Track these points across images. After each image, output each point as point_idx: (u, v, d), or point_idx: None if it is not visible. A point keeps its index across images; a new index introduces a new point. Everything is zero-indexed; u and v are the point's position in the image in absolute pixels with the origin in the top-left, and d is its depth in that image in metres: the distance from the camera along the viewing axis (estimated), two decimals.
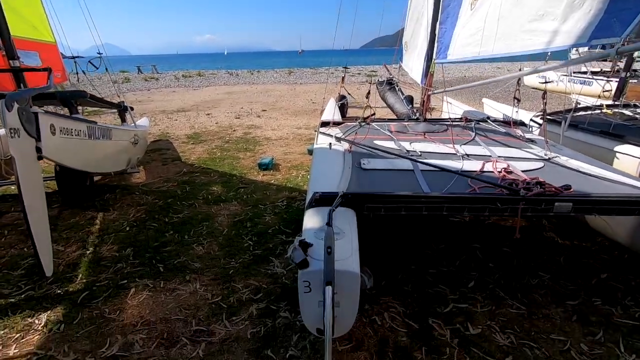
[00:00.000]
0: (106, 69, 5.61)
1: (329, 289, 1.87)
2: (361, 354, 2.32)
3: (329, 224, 2.30)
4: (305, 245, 2.10)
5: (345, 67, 5.05)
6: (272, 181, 5.64)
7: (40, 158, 2.66)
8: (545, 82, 4.87)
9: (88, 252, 3.65)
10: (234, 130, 9.32)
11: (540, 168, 3.56)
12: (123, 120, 6.16)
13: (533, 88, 15.13)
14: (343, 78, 5.12)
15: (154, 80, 23.68)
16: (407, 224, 4.11)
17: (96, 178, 5.66)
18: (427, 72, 5.28)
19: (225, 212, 4.53)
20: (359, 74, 24.22)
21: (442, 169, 3.38)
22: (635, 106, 6.56)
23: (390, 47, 7.16)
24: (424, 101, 5.46)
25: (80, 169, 3.70)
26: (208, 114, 11.72)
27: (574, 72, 13.72)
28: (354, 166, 3.54)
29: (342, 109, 8.55)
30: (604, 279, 3.06)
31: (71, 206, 4.70)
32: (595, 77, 11.59)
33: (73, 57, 5.12)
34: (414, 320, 2.59)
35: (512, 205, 2.72)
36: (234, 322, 2.62)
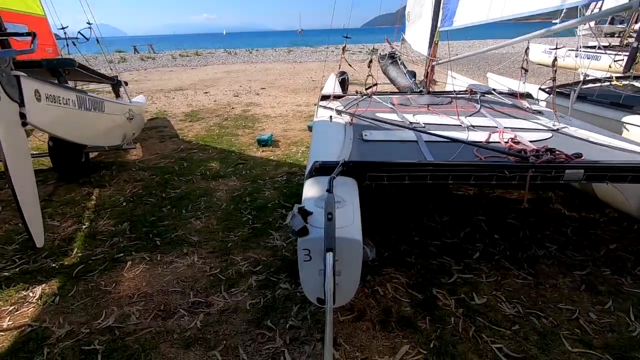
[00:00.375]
0: (97, 40, 5.39)
1: (329, 255, 1.78)
2: (363, 324, 2.25)
3: (329, 190, 2.19)
4: (304, 213, 2.00)
5: (346, 37, 4.82)
6: (272, 157, 5.52)
7: (25, 124, 2.54)
8: (556, 48, 4.64)
9: (84, 226, 3.57)
10: (233, 108, 9.12)
11: (548, 138, 3.42)
12: (117, 95, 5.98)
13: (539, 64, 14.74)
14: (344, 48, 4.92)
15: (150, 60, 23.20)
16: (409, 196, 4.01)
17: (92, 155, 5.55)
18: (432, 43, 5.06)
19: (223, 187, 4.43)
20: (360, 51, 23.65)
21: (447, 140, 3.25)
22: None
23: (391, 25, 6.86)
24: (427, 72, 5.27)
25: (71, 140, 3.57)
26: (206, 93, 11.48)
27: (582, 47, 13.33)
28: (355, 138, 3.41)
29: (343, 84, 8.31)
30: (613, 250, 2.98)
31: (67, 182, 4.60)
32: (604, 51, 11.26)
33: (62, 27, 4.90)
34: (418, 291, 2.53)
35: (520, 173, 2.61)
36: (233, 294, 2.56)
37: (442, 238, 3.17)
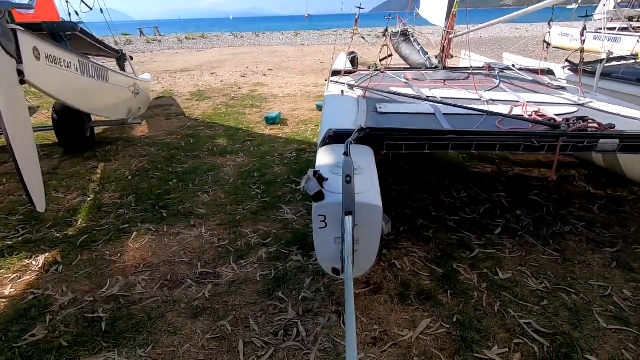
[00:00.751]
0: (107, 24, 5.20)
1: (349, 219, 1.63)
2: (381, 297, 2.13)
3: (346, 154, 2.04)
4: (320, 178, 1.85)
5: (360, 7, 4.57)
6: (280, 135, 5.36)
7: (22, 82, 2.40)
8: (586, 16, 4.33)
9: (88, 199, 3.47)
10: (240, 88, 8.93)
11: (575, 112, 3.21)
12: (122, 69, 5.82)
13: (556, 47, 14.24)
14: (357, 19, 4.67)
15: (156, 43, 22.94)
16: (425, 173, 3.84)
17: (97, 131, 5.44)
18: (449, 14, 4.80)
19: (231, 163, 4.30)
20: (369, 35, 23.12)
21: (467, 111, 3.06)
22: None
23: (401, 10, 6.59)
24: (444, 47, 5.02)
25: (72, 105, 3.43)
26: (212, 73, 11.28)
27: (600, 29, 12.81)
28: (369, 111, 3.23)
29: (352, 64, 8.07)
30: None
31: (72, 155, 4.51)
32: (627, 32, 10.82)
33: None
34: (437, 265, 2.39)
35: (550, 142, 2.42)
36: (242, 265, 2.44)
37: (461, 214, 3.01)
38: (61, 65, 2.91)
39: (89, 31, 4.28)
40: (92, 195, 3.54)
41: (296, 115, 6.44)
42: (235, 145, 4.89)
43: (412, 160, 4.20)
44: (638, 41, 7.21)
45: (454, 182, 3.58)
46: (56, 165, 4.29)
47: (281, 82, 9.58)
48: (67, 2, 4.65)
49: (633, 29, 11.62)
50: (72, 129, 4.23)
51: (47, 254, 2.59)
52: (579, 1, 5.30)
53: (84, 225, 3.00)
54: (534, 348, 1.77)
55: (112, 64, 5.80)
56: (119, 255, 2.58)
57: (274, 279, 2.29)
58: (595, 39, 11.99)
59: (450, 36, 4.74)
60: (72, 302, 2.12)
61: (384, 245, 2.59)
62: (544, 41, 4.73)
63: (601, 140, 2.40)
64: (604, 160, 3.71)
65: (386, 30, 4.05)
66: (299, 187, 3.15)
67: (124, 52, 5.58)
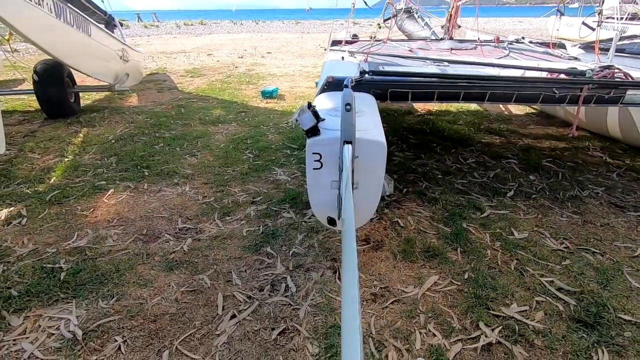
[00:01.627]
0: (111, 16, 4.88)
1: (347, 148, 1.38)
2: (382, 253, 1.88)
3: (346, 86, 1.79)
4: (315, 114, 1.60)
5: None
6: (277, 108, 5.09)
7: None
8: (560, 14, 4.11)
9: (66, 159, 3.20)
10: (236, 67, 8.63)
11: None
12: None
13: (562, 39, 13.97)
14: None
15: (154, 28, 22.51)
16: (428, 140, 3.59)
17: (85, 102, 5.16)
18: None
19: (223, 131, 4.03)
20: (371, 25, 22.77)
21: (477, 70, 2.80)
22: None
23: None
24: (451, 15, 4.75)
25: (45, 50, 3.13)
26: (209, 54, 10.95)
27: (608, 18, 12.56)
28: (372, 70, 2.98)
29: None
30: None
31: (54, 120, 4.22)
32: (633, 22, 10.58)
33: None
34: (445, 224, 2.14)
35: (573, 92, 2.18)
36: (227, 222, 2.19)
37: (469, 177, 2.77)
38: (30, 0, 2.63)
39: None
40: (70, 157, 3.27)
41: (294, 92, 6.16)
42: (229, 116, 4.62)
43: (415, 130, 3.95)
44: None
45: (460, 150, 3.34)
46: (35, 129, 4.02)
47: (279, 63, 9.29)
48: None
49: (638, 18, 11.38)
50: (54, 91, 3.93)
51: (11, 208, 2.34)
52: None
53: (57, 182, 2.73)
54: (558, 306, 1.53)
55: None
56: (91, 210, 2.32)
57: (262, 235, 2.04)
58: (603, 28, 11.69)
59: (458, 2, 4.46)
60: (31, 254, 1.87)
61: (385, 205, 2.35)
62: (557, 10, 4.48)
63: (629, 91, 2.16)
64: (621, 131, 3.46)
65: None
66: (291, 119, 2.90)
67: (113, 16, 5.28)
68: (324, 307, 1.54)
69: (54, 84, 3.89)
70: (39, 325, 1.44)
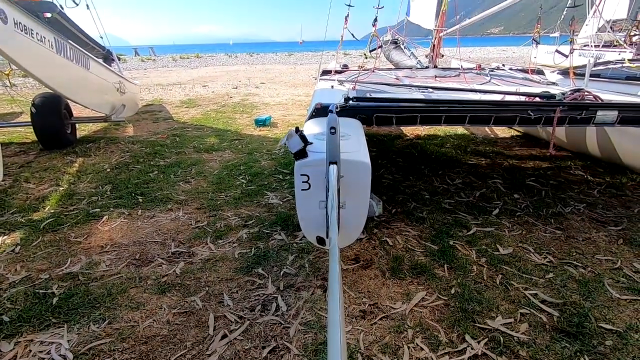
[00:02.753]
0: (87, 5, 5.14)
1: (333, 168, 1.47)
2: (371, 271, 1.92)
3: (331, 111, 1.90)
4: (303, 137, 1.70)
5: (349, 5, 4.56)
6: (270, 135, 5.22)
7: None
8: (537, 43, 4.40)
9: (61, 188, 3.25)
10: (231, 97, 8.87)
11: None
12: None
13: (542, 65, 14.60)
14: (346, 17, 4.66)
15: (150, 62, 23.13)
16: (416, 163, 3.71)
17: (81, 132, 5.26)
18: (439, 13, 4.83)
19: (217, 158, 4.12)
20: (361, 56, 23.65)
21: (460, 95, 2.97)
22: None
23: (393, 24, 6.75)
24: (434, 45, 5.02)
25: (45, 83, 3.25)
26: (204, 86, 11.26)
27: (584, 46, 13.22)
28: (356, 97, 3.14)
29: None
30: None
31: (50, 151, 4.30)
32: (608, 49, 11.14)
33: None
34: (432, 242, 2.20)
35: (547, 114, 2.31)
36: (220, 245, 2.23)
37: (456, 197, 2.85)
38: (33, 37, 2.78)
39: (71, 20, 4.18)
40: (65, 186, 3.32)
41: (287, 120, 6.34)
42: (223, 143, 4.74)
43: (404, 154, 4.07)
44: (619, 53, 7.44)
45: (447, 172, 3.45)
46: (31, 159, 4.08)
47: (273, 93, 9.57)
48: None
49: (614, 46, 12.03)
50: (51, 123, 4.03)
51: (4, 237, 2.36)
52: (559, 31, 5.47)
53: (52, 210, 2.77)
54: (542, 318, 1.57)
55: None
56: (85, 237, 2.35)
57: (253, 257, 2.08)
58: (580, 55, 12.31)
59: (441, 34, 4.74)
60: (23, 280, 1.89)
61: (374, 225, 2.41)
62: (533, 39, 4.76)
63: (599, 112, 2.30)
64: (600, 150, 3.61)
65: (375, 20, 4.01)
66: (279, 144, 2.99)
67: (111, 50, 5.49)
68: (314, 325, 1.56)
69: (51, 115, 4.00)
70: (30, 350, 1.45)
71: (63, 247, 2.22)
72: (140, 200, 2.90)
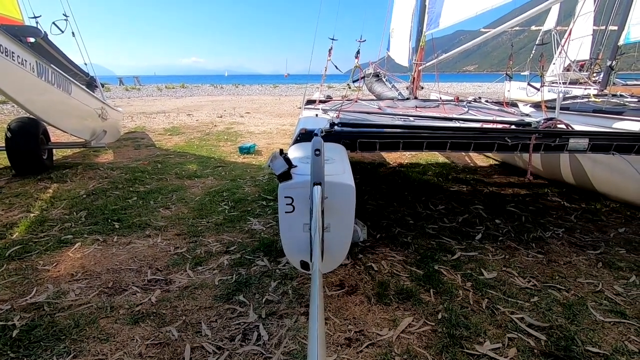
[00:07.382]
0: (73, 33, 5.17)
1: (317, 189, 1.46)
2: (356, 298, 1.87)
3: (316, 134, 1.92)
4: (287, 160, 1.70)
5: (333, 39, 4.77)
6: (254, 162, 5.21)
7: None
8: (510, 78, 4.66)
9: (32, 215, 3.10)
10: (215, 126, 8.90)
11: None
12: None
13: (516, 100, 15.40)
14: (330, 49, 4.85)
15: (135, 91, 23.19)
16: (399, 189, 3.74)
17: (57, 157, 5.12)
18: (418, 47, 5.08)
19: (199, 185, 4.05)
20: (344, 89, 24.41)
21: (440, 122, 3.07)
22: (621, 96, 6.57)
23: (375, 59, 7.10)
24: (414, 78, 5.25)
25: (25, 107, 3.18)
26: (189, 114, 11.29)
27: (552, 83, 14.12)
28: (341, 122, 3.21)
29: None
30: (623, 233, 2.73)
31: (23, 176, 4.13)
32: (576, 86, 11.92)
33: (34, 17, 4.66)
34: (417, 267, 2.18)
35: (523, 141, 2.41)
36: (199, 272, 2.14)
37: (440, 223, 2.87)
38: (14, 60, 2.74)
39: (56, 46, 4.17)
40: (36, 212, 3.16)
41: (271, 148, 6.36)
42: (206, 170, 4.68)
43: (387, 181, 4.12)
44: (584, 89, 8.03)
45: (430, 198, 3.49)
46: (2, 185, 3.90)
47: (257, 122, 9.67)
48: (37, 23, 4.59)
49: (580, 83, 12.93)
50: (25, 147, 3.90)
51: None
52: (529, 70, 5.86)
53: (19, 237, 2.62)
54: (529, 342, 1.54)
55: None
56: (54, 264, 2.22)
57: (235, 283, 2.00)
58: (549, 91, 13.09)
59: (420, 67, 4.96)
60: None
61: (359, 250, 2.37)
62: (506, 74, 5.03)
63: (572, 140, 2.41)
64: (574, 177, 3.75)
65: (358, 53, 4.18)
66: (264, 166, 2.95)
67: (94, 77, 5.47)
68: (296, 355, 1.48)
69: (26, 140, 3.88)
70: None
71: (29, 275, 2.08)
72: (117, 226, 2.79)
